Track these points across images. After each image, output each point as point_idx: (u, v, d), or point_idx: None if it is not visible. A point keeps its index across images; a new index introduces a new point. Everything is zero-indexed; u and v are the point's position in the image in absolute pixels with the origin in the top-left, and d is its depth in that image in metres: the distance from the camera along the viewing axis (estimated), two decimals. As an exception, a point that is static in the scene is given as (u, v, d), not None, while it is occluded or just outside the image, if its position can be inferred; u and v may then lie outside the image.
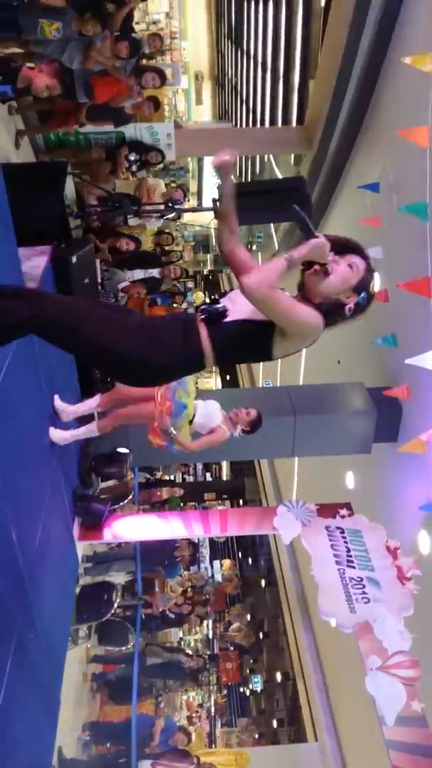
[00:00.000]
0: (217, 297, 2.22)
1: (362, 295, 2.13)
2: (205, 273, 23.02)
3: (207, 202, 6.55)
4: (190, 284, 19.80)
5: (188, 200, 10.11)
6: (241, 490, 16.61)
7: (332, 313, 2.12)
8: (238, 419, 4.41)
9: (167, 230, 7.87)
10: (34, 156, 6.04)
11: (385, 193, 5.63)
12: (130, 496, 6.91)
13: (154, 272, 6.82)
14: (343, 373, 7.27)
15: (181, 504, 11.12)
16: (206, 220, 5.93)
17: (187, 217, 6.77)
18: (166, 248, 7.80)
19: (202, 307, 2.11)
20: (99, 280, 5.19)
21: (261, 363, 14.89)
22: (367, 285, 2.13)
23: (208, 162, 18.31)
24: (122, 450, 5.42)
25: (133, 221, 6.42)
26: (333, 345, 8.04)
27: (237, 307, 2.07)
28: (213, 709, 14.94)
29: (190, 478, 18.57)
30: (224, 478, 20.08)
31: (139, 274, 6.62)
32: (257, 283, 1.91)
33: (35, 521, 3.71)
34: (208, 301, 2.27)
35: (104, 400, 4.39)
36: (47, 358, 4.10)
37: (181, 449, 4.27)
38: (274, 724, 13.44)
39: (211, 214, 5.34)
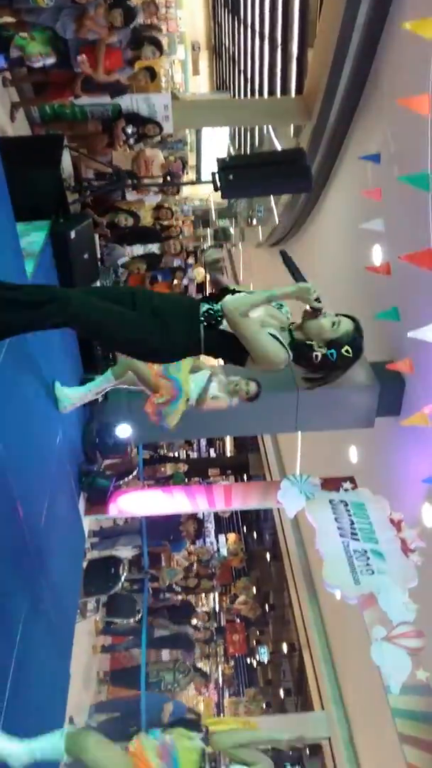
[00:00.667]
0: (216, 294, 2.37)
1: (331, 351, 2.26)
2: (205, 248, 22.86)
3: (206, 176, 6.46)
4: (191, 260, 19.67)
5: (187, 173, 9.98)
6: (245, 465, 16.69)
7: (299, 355, 2.30)
8: (236, 393, 4.38)
9: (166, 205, 7.78)
10: (29, 129, 5.94)
11: (386, 164, 5.54)
12: (135, 472, 6.95)
13: (154, 248, 6.75)
14: (345, 347, 7.23)
15: (186, 480, 11.17)
16: (205, 194, 5.85)
17: (186, 191, 6.67)
18: (165, 223, 7.72)
19: (204, 312, 2.27)
20: (98, 255, 5.13)
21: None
22: (341, 345, 2.26)
23: (207, 133, 18.05)
24: (124, 429, 5.42)
25: (131, 196, 6.34)
26: (335, 319, 7.99)
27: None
28: (221, 680, 15.20)
29: (194, 455, 18.64)
30: (228, 453, 20.17)
31: (138, 249, 6.56)
32: (231, 304, 2.16)
33: (41, 496, 3.73)
34: (208, 293, 2.51)
35: (117, 373, 4.41)
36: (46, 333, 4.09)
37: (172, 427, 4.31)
38: (281, 693, 13.71)
39: (210, 187, 5.27)
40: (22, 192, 3.69)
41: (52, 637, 3.73)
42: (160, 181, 6.01)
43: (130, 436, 5.35)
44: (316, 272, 9.32)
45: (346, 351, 2.27)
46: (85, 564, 5.70)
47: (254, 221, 14.38)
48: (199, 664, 14.72)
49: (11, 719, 2.65)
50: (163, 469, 10.34)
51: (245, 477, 15.89)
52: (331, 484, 5.37)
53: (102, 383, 4.43)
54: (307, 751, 9.42)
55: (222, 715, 12.42)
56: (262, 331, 2.21)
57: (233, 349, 2.27)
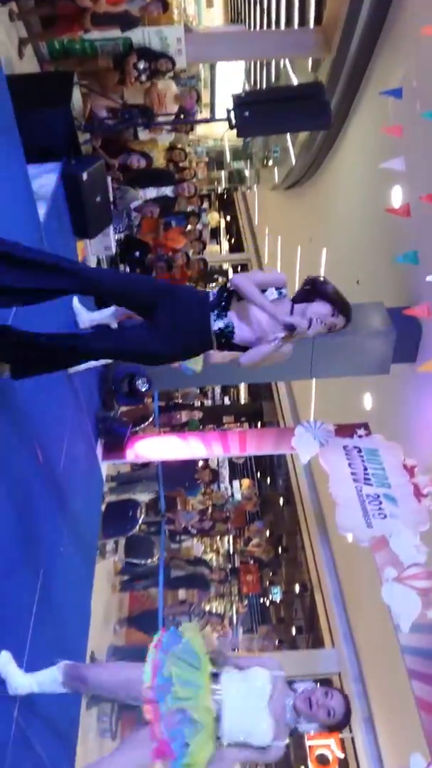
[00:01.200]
0: (226, 305, 2.60)
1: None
2: (219, 192, 22.30)
3: (220, 113, 6.24)
4: (204, 204, 19.24)
5: (200, 112, 9.64)
6: (259, 412, 16.78)
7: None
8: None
9: (179, 145, 7.55)
10: (38, 66, 5.74)
11: (409, 99, 5.29)
12: (151, 419, 7.02)
13: (167, 190, 6.59)
14: (362, 293, 7.12)
15: (201, 427, 11.27)
16: (220, 133, 5.66)
17: (199, 131, 6.47)
18: (180, 165, 7.52)
19: (216, 330, 2.57)
20: (111, 198, 5.03)
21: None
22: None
23: (221, 69, 17.34)
24: (140, 380, 5.44)
25: (143, 135, 6.16)
26: (352, 264, 7.85)
27: (240, 334, 2.59)
28: (235, 618, 15.74)
29: (208, 402, 18.76)
30: (242, 401, 20.28)
31: (151, 192, 6.41)
32: (247, 361, 2.60)
33: (60, 441, 3.79)
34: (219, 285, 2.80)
35: (121, 312, 4.34)
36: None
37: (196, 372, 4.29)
38: (293, 631, 14.17)
39: (225, 125, 5.09)
40: (33, 132, 3.60)
41: (73, 575, 3.86)
42: (174, 114, 5.80)
43: (147, 385, 5.38)
44: (334, 215, 9.10)
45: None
46: (103, 507, 5.84)
47: (270, 162, 13.94)
48: (214, 603, 15.24)
49: (35, 653, 2.78)
50: (178, 416, 10.41)
51: (259, 424, 16.00)
52: (345, 430, 5.39)
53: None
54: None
55: (236, 651, 12.90)
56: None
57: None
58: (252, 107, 4.73)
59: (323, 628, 9.96)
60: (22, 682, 2.42)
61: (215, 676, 2.34)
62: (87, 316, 4.32)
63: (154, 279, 2.78)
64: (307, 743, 2.27)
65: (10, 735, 2.46)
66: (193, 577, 8.43)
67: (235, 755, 2.27)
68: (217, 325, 2.56)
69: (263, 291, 2.58)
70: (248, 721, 2.25)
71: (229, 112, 4.86)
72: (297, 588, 14.20)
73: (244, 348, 2.62)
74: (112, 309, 4.30)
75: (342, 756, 7.14)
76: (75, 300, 4.39)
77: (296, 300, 2.66)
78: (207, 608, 12.86)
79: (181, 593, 10.93)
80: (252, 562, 16.35)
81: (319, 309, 2.62)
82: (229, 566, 16.69)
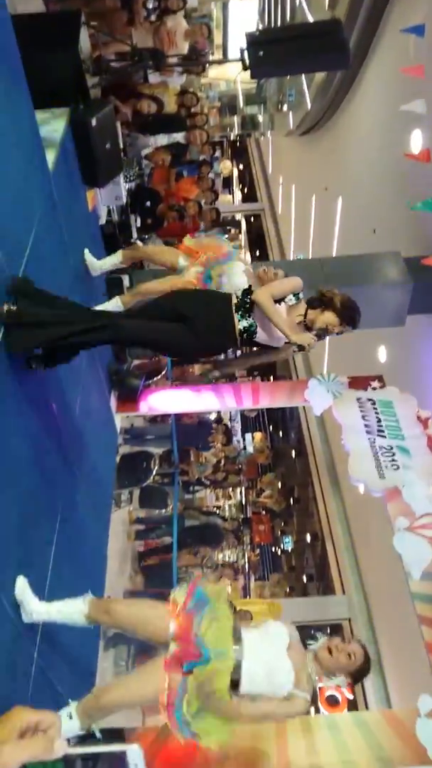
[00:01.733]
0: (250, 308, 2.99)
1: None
2: (231, 139, 21.66)
3: (234, 54, 6.00)
4: (217, 152, 18.72)
5: (212, 53, 9.27)
6: (272, 366, 16.73)
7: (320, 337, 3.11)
8: (266, 277, 4.21)
9: (191, 89, 7.28)
10: (43, 5, 5.50)
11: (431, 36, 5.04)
12: (163, 372, 7.02)
13: (179, 137, 6.40)
14: (379, 243, 6.97)
15: (213, 380, 11.28)
16: (233, 75, 5.45)
17: (212, 74, 6.23)
18: (192, 110, 7.27)
19: (241, 328, 2.98)
20: (121, 145, 4.90)
21: (292, 235, 14.34)
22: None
23: (233, 9, 16.58)
24: None
25: (154, 78, 5.94)
26: (368, 213, 7.65)
27: (261, 335, 2.99)
28: (247, 566, 16.12)
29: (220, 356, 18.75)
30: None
31: (162, 139, 6.23)
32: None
33: (74, 393, 3.81)
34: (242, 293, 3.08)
35: (126, 256, 4.44)
36: (72, 223, 4.01)
37: None
38: (304, 579, 14.50)
39: (239, 66, 4.89)
40: (39, 76, 3.47)
41: (90, 524, 3.94)
42: (185, 55, 5.58)
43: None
44: (350, 162, 8.83)
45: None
46: (118, 458, 5.92)
47: (284, 107, 13.46)
48: (227, 552, 15.59)
49: (53, 596, 2.87)
50: (191, 370, 10.41)
51: (272, 378, 15.99)
52: (358, 383, 5.36)
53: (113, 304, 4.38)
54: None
55: (248, 597, 13.26)
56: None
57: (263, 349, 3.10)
58: (266, 46, 4.52)
59: (334, 576, 10.18)
60: (38, 608, 2.46)
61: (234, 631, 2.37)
62: (98, 265, 4.41)
63: (175, 300, 3.04)
64: (317, 685, 2.32)
65: (31, 673, 2.55)
66: (206, 527, 8.60)
67: (260, 708, 2.32)
68: (242, 324, 2.96)
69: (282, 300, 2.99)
70: (268, 664, 2.29)
71: (242, 51, 4.64)
72: (308, 537, 14.47)
73: (263, 345, 3.03)
74: (119, 256, 4.42)
75: (351, 697, 7.39)
76: (86, 251, 4.36)
77: (310, 305, 3.02)
78: (220, 556, 13.18)
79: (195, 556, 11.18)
80: (264, 512, 16.64)
81: (330, 319, 3.03)
82: (242, 516, 17.01)
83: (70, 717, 2.27)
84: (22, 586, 2.46)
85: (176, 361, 6.90)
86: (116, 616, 2.46)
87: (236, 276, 3.98)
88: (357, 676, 2.44)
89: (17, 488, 2.67)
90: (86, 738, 2.85)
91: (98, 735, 2.90)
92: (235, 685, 2.29)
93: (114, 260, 4.46)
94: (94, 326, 2.76)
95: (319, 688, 2.49)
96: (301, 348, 2.97)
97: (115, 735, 3.10)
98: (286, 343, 3.06)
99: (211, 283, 4.02)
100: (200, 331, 2.86)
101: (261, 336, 3.01)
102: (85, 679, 3.41)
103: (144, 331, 2.93)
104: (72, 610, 2.49)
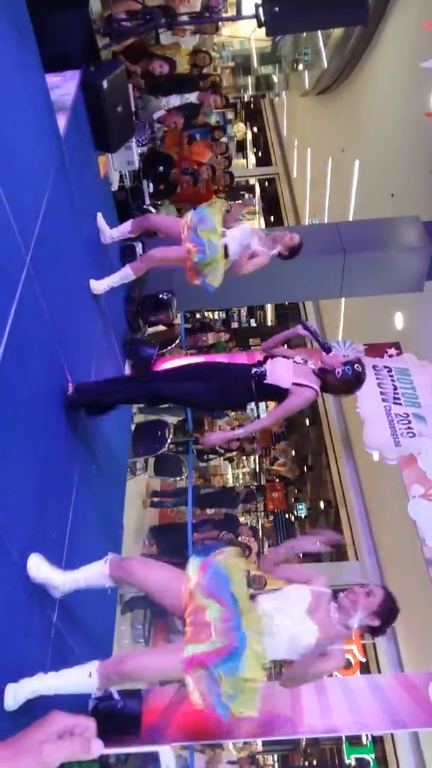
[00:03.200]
0: (266, 357, 3.44)
1: (347, 367, 3.20)
2: (245, 100, 21.13)
3: (248, 10, 5.80)
4: (230, 114, 18.29)
5: (226, 11, 8.96)
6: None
7: (327, 378, 3.27)
8: (278, 240, 4.16)
9: (204, 48, 7.08)
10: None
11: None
12: (177, 341, 7.00)
13: (192, 97, 6.24)
14: (397, 207, 6.82)
15: (227, 349, 11.25)
16: (247, 32, 5.26)
17: (225, 32, 6.03)
18: (204, 71, 7.07)
19: (254, 371, 3.36)
20: (133, 108, 4.79)
21: (307, 199, 14.07)
22: (352, 364, 3.21)
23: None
24: (166, 295, 5.38)
25: (165, 38, 5.77)
26: (387, 176, 7.47)
27: (274, 375, 3.33)
28: (261, 532, 16.31)
29: (234, 324, 18.62)
30: (269, 323, 20.06)
31: (175, 100, 6.07)
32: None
33: (88, 362, 3.81)
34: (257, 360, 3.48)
35: (135, 226, 4.38)
36: (84, 189, 3.96)
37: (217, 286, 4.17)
38: (317, 545, 14.62)
39: (253, 23, 4.73)
40: (49, 38, 3.39)
41: (105, 492, 3.99)
42: (198, 11, 5.39)
43: (173, 299, 5.32)
44: (368, 123, 8.58)
45: (357, 366, 3.21)
46: (133, 427, 5.95)
47: (300, 66, 13.08)
48: (241, 519, 15.78)
49: (71, 563, 2.91)
50: (205, 338, 10.37)
51: (286, 346, 15.88)
52: (374, 350, 5.32)
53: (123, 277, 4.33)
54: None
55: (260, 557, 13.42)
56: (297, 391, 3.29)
57: (278, 395, 3.33)
58: (282, 2, 4.35)
59: (347, 542, 10.27)
60: (63, 578, 2.48)
61: (251, 598, 2.37)
62: (109, 233, 4.38)
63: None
64: (348, 631, 2.36)
65: (50, 638, 2.61)
66: (221, 494, 8.67)
67: (295, 671, 2.33)
68: (253, 370, 3.37)
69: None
70: (289, 631, 2.30)
71: (257, 7, 4.48)
72: (321, 504, 14.56)
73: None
74: (129, 224, 4.37)
75: (363, 660, 7.53)
76: (99, 216, 4.31)
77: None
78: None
79: (210, 512, 11.28)
80: (277, 480, 16.75)
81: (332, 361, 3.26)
82: (255, 484, 17.14)
83: (90, 675, 2.31)
84: (36, 565, 2.44)
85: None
86: (135, 578, 2.46)
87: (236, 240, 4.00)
88: (383, 616, 2.37)
89: (33, 458, 2.69)
90: (104, 699, 2.93)
91: (116, 696, 2.98)
92: None
93: (124, 229, 4.41)
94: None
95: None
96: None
97: (132, 695, 3.19)
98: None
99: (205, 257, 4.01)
100: (218, 394, 3.39)
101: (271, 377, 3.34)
102: (102, 642, 3.49)
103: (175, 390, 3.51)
104: (95, 574, 2.50)
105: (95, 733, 0.90)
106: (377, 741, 7.50)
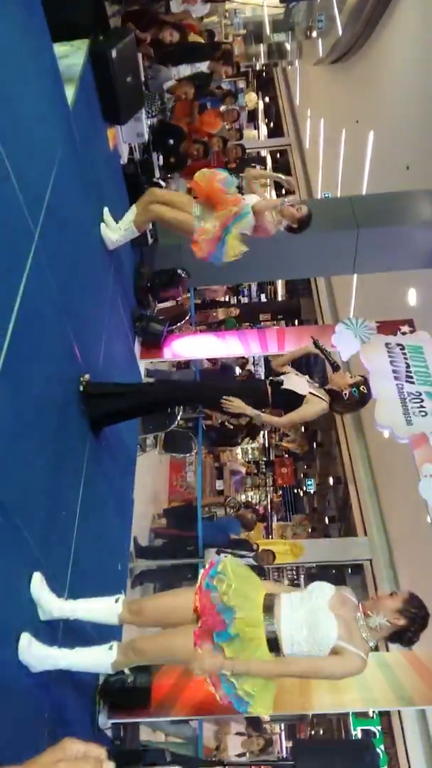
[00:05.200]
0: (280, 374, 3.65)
1: (353, 389, 3.37)
2: (257, 69, 20.66)
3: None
4: (242, 83, 17.91)
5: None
6: (297, 310, 16.48)
7: (334, 398, 3.44)
8: (286, 211, 4.05)
9: (215, 16, 6.88)
10: None
11: None
12: (187, 317, 6.95)
13: (203, 66, 6.09)
14: (412, 180, 6.66)
15: (237, 325, 11.19)
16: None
17: (237, -2, 5.83)
18: (216, 40, 6.90)
19: (269, 380, 3.64)
20: (142, 78, 4.67)
21: (319, 172, 13.82)
22: (358, 386, 3.37)
23: None
24: (183, 272, 5.32)
25: (176, 5, 5.61)
26: (402, 148, 7.30)
27: (291, 382, 3.52)
28: (269, 507, 16.42)
29: (244, 300, 18.50)
30: (279, 298, 19.90)
31: (185, 70, 5.93)
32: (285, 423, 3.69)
33: (97, 339, 3.78)
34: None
35: (139, 221, 4.25)
36: (93, 163, 3.89)
37: (228, 259, 4.10)
38: (326, 520, 14.73)
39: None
40: (57, 6, 3.28)
41: (115, 469, 3.99)
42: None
43: (184, 274, 5.27)
44: (383, 93, 8.36)
45: (362, 388, 3.37)
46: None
47: (314, 33, 12.73)
48: (250, 493, 15.87)
49: (81, 544, 2.93)
50: (214, 314, 10.30)
51: (296, 322, 15.77)
52: (387, 327, 5.24)
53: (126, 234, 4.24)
54: (350, 570, 10.29)
55: (270, 537, 13.55)
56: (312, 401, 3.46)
57: (291, 402, 3.46)
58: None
59: (356, 518, 10.31)
60: (65, 606, 2.44)
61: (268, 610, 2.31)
62: (114, 238, 4.21)
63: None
64: (372, 642, 2.35)
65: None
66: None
67: (308, 663, 2.26)
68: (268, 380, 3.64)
69: None
70: (309, 619, 2.25)
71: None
72: (330, 480, 14.60)
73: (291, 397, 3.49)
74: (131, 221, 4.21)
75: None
76: (105, 210, 4.19)
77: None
78: (242, 498, 13.41)
79: (218, 483, 11.33)
80: (287, 456, 16.79)
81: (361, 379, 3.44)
82: (264, 459, 17.20)
83: (111, 648, 2.41)
84: (38, 586, 2.37)
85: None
86: (144, 617, 2.46)
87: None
88: (408, 615, 2.26)
89: (43, 435, 2.68)
90: (115, 674, 2.97)
91: (126, 671, 3.02)
92: (276, 647, 2.27)
93: (127, 225, 4.22)
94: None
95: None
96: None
97: (143, 670, 3.23)
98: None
99: (225, 246, 3.96)
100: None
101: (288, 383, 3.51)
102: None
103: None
104: (103, 610, 2.51)
105: (106, 758, 0.97)
106: (383, 714, 7.60)
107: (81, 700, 2.94)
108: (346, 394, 3.36)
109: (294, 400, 3.43)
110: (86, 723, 2.98)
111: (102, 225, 4.12)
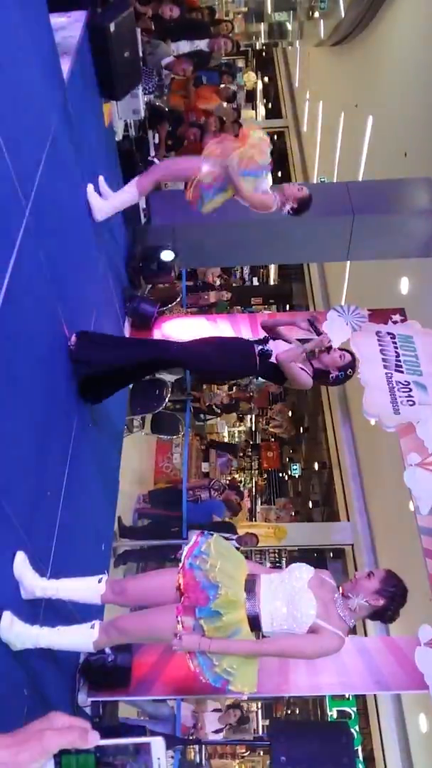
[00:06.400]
0: (268, 338, 3.57)
1: (340, 373, 3.43)
2: (257, 48, 20.35)
3: None
4: (240, 62, 17.65)
5: None
6: (289, 294, 16.46)
7: (320, 376, 3.46)
8: (287, 193, 3.94)
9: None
10: None
11: None
12: (178, 299, 6.90)
13: (202, 44, 5.98)
14: (410, 167, 6.62)
15: (228, 308, 11.14)
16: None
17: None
18: (216, 17, 6.76)
19: (259, 348, 3.51)
20: (140, 53, 4.58)
21: (317, 155, 13.71)
22: (346, 369, 3.44)
23: None
24: (168, 254, 5.26)
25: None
26: (400, 134, 7.24)
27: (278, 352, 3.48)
28: (254, 489, 16.53)
29: (237, 283, 18.43)
30: (271, 282, 19.84)
31: (184, 46, 5.82)
32: (285, 358, 3.37)
33: (87, 318, 3.75)
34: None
35: (142, 186, 4.11)
36: (87, 138, 3.83)
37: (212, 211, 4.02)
38: (310, 504, 14.87)
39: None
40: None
41: (101, 451, 3.99)
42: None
43: (174, 260, 5.21)
44: (384, 78, 8.27)
45: (349, 372, 3.46)
46: (131, 385, 5.91)
47: (316, 14, 12.55)
48: (236, 476, 15.95)
49: (65, 522, 2.93)
50: (206, 297, 10.24)
51: (288, 307, 15.76)
52: (379, 316, 5.24)
53: (127, 197, 4.11)
54: (331, 554, 10.42)
55: (254, 520, 13.66)
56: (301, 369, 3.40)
57: (279, 373, 3.46)
58: None
59: (339, 503, 10.41)
60: (49, 584, 2.45)
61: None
62: (103, 209, 4.00)
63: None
64: (350, 621, 2.36)
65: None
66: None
67: (286, 641, 2.29)
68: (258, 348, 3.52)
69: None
70: (288, 596, 2.28)
71: None
72: (316, 465, 14.71)
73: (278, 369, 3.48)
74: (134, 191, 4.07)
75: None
76: (103, 179, 4.07)
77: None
78: (227, 480, 13.48)
79: (204, 466, 11.36)
80: (273, 440, 16.87)
81: (347, 355, 3.47)
82: (251, 442, 17.27)
83: (92, 627, 2.41)
84: (21, 565, 2.40)
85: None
86: (127, 597, 2.47)
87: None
88: (387, 594, 2.31)
89: (30, 417, 2.67)
90: (96, 653, 2.98)
91: (107, 650, 3.03)
92: (258, 626, 2.30)
93: (125, 197, 4.06)
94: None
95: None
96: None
97: (123, 649, 3.25)
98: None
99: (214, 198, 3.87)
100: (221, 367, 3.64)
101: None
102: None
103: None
104: (86, 590, 2.51)
105: (91, 728, 1.00)
106: (359, 695, 7.75)
107: (61, 678, 2.96)
108: (333, 376, 3.43)
109: (282, 372, 3.44)
110: (66, 701, 3.01)
111: (93, 194, 3.88)
